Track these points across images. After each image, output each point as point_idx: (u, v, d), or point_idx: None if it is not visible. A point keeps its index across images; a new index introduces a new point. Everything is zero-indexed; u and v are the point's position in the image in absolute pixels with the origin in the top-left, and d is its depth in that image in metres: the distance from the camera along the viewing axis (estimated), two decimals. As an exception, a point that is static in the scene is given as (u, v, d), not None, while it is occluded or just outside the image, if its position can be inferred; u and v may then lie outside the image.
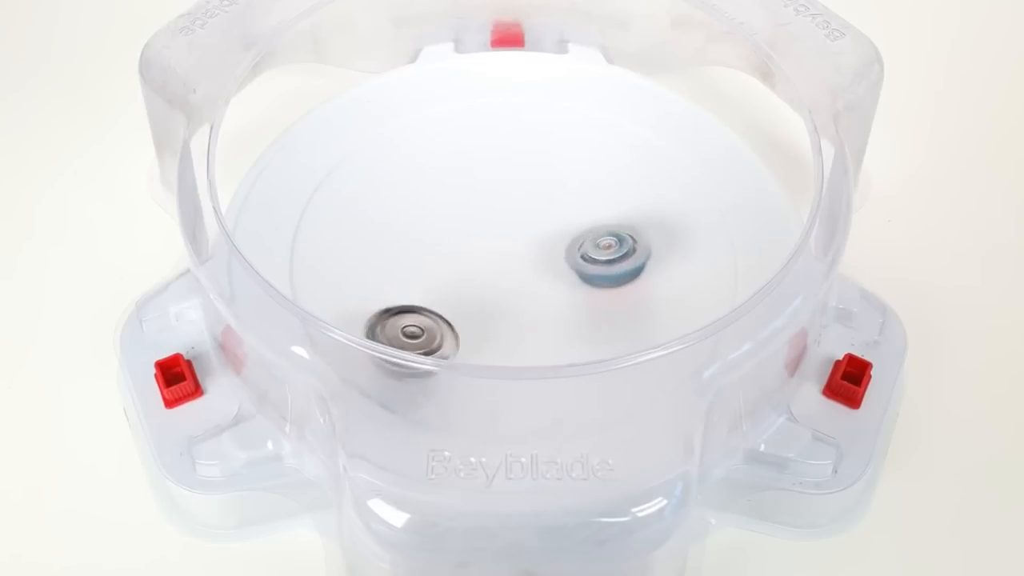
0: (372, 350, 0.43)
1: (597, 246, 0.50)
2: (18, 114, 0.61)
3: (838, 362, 0.49)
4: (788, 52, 0.53)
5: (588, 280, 0.50)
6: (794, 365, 0.48)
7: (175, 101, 0.51)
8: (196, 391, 0.48)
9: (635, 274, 0.50)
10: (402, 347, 0.45)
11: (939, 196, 0.58)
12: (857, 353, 0.49)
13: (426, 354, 0.46)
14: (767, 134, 0.57)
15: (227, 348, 0.47)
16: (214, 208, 0.46)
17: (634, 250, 0.50)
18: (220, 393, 0.48)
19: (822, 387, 0.48)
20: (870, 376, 0.48)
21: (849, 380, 0.48)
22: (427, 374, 0.43)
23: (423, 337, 0.46)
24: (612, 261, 0.50)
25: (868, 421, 0.48)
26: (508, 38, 0.59)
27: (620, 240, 0.50)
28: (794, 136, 0.54)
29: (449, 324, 0.47)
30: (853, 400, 0.48)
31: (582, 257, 0.50)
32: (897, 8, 0.66)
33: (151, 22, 0.54)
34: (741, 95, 0.58)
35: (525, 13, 0.58)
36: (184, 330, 0.49)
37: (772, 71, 0.53)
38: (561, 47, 0.59)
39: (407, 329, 0.47)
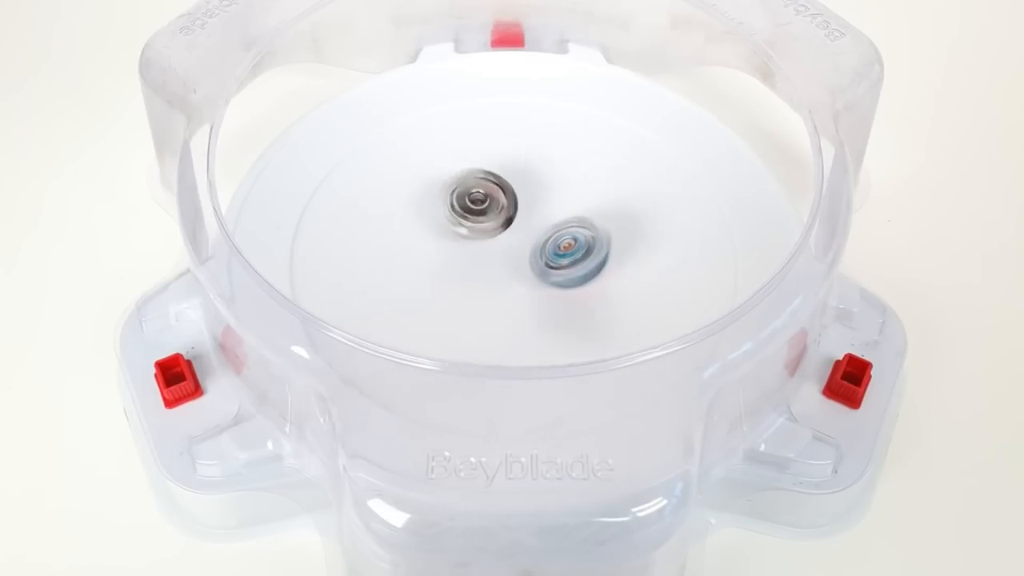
0: (372, 350, 0.43)
1: (558, 248, 0.49)
2: (18, 114, 0.61)
3: (838, 362, 0.49)
4: (788, 52, 0.53)
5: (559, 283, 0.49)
6: (794, 365, 0.48)
7: (175, 101, 0.51)
8: (196, 391, 0.48)
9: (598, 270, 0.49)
10: (473, 213, 0.50)
11: (939, 196, 0.58)
12: (857, 353, 0.49)
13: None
14: (767, 134, 0.57)
15: (227, 348, 0.47)
16: (214, 208, 0.46)
17: (592, 248, 0.49)
18: (220, 393, 0.48)
19: (822, 387, 0.48)
20: (870, 376, 0.48)
21: (849, 380, 0.48)
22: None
23: (487, 202, 0.51)
24: (576, 262, 0.49)
25: (868, 421, 0.48)
26: (508, 38, 0.58)
27: (576, 240, 0.49)
28: (794, 136, 0.54)
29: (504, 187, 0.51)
30: (853, 400, 0.48)
31: (546, 264, 0.49)
32: (897, 8, 0.66)
33: (151, 22, 0.54)
34: (741, 95, 0.58)
35: (525, 13, 0.58)
36: (184, 330, 0.49)
37: (772, 71, 0.53)
38: (561, 47, 0.59)
39: (473, 195, 0.51)
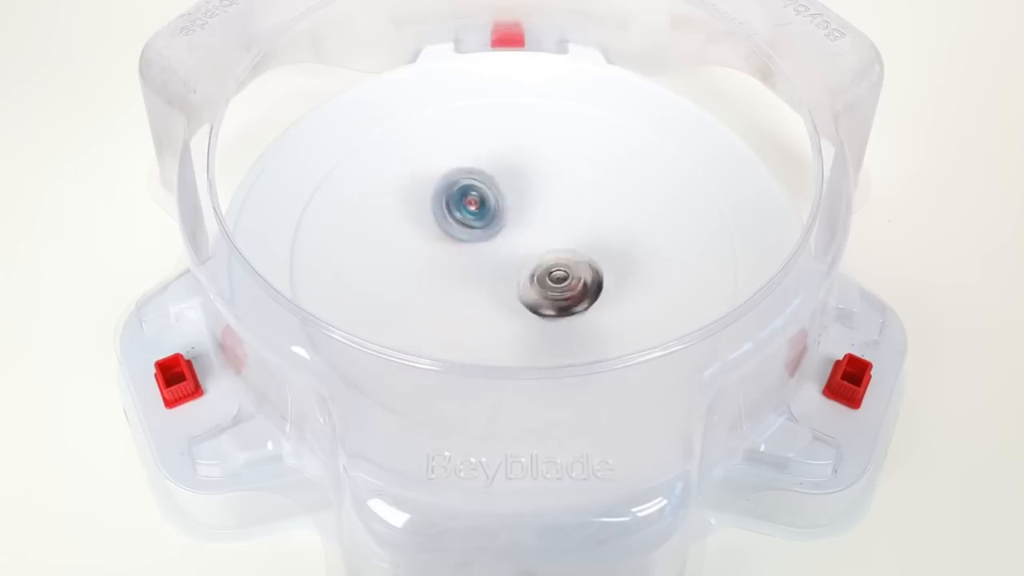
0: (373, 350, 0.43)
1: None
2: (18, 114, 0.61)
3: (838, 362, 0.49)
4: (788, 52, 0.53)
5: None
6: (794, 365, 0.48)
7: (175, 101, 0.51)
8: (196, 391, 0.48)
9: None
10: (553, 293, 0.47)
11: (939, 196, 0.58)
12: (857, 353, 0.49)
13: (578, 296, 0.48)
14: (767, 134, 0.57)
15: (227, 348, 0.47)
16: (214, 208, 0.47)
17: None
18: (220, 393, 0.48)
19: (822, 387, 0.48)
20: (870, 376, 0.48)
21: (849, 380, 0.48)
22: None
23: (568, 279, 0.48)
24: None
25: (868, 421, 0.48)
26: (508, 38, 0.59)
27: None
28: (794, 136, 0.54)
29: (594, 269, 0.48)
30: (853, 400, 0.48)
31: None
32: (897, 8, 0.66)
33: (151, 22, 0.54)
34: (741, 95, 0.58)
35: (525, 13, 0.59)
36: (184, 330, 0.49)
37: (772, 71, 0.53)
38: (561, 47, 0.59)
39: (554, 274, 0.48)
